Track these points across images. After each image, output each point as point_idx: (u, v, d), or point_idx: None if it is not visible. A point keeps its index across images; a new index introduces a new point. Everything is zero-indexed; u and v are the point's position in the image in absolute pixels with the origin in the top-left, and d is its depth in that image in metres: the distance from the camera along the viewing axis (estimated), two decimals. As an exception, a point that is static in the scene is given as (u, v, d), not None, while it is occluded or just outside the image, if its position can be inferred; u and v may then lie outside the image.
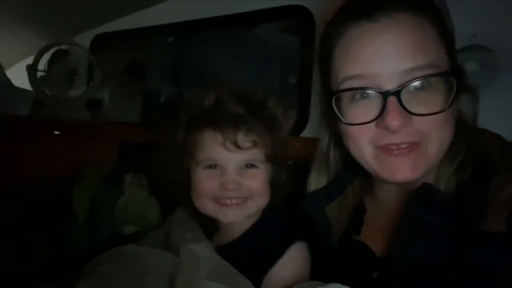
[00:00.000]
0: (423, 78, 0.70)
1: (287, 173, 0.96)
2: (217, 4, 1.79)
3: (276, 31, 1.75)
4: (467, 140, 0.77)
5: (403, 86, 0.70)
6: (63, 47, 1.92)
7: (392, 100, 0.70)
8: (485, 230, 0.66)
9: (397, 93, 0.70)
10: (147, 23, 1.99)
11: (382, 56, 0.71)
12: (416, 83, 0.71)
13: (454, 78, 0.72)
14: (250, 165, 0.89)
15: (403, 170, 0.74)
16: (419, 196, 0.71)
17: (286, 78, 1.68)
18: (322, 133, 0.94)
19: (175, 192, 0.98)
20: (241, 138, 0.87)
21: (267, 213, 0.94)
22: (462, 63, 1.21)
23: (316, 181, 0.94)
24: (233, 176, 0.87)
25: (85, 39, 2.10)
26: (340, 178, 0.94)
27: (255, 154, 0.89)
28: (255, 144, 0.87)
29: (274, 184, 0.94)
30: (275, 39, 1.75)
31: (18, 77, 1.94)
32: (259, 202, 0.91)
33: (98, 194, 1.33)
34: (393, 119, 0.70)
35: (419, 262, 0.67)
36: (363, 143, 0.77)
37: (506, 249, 0.62)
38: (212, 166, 0.89)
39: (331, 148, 0.93)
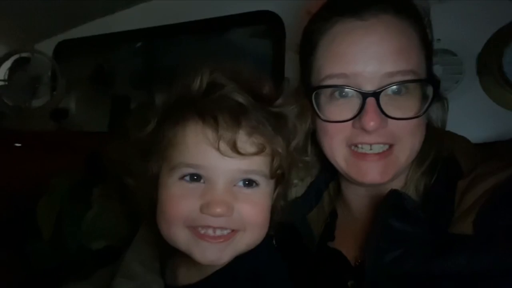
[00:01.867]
0: (403, 83, 0.72)
1: (286, 198, 0.74)
2: (186, 9, 1.77)
3: (247, 36, 1.75)
4: (436, 144, 0.79)
5: (382, 88, 0.71)
6: (24, 54, 1.85)
7: (370, 101, 0.71)
8: (454, 234, 0.67)
9: (376, 95, 0.71)
10: (114, 29, 1.94)
11: (365, 57, 0.72)
12: (395, 87, 0.72)
13: (431, 85, 0.74)
14: (248, 182, 0.64)
15: (372, 174, 0.75)
16: (388, 203, 0.72)
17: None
18: None
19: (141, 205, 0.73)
20: (243, 138, 0.61)
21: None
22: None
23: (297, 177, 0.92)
24: (223, 195, 0.61)
25: (47, 46, 2.02)
26: (317, 185, 0.93)
27: (259, 165, 0.64)
28: (261, 150, 0.62)
29: (272, 213, 0.70)
30: (246, 44, 1.75)
31: (-24, 87, 1.85)
32: (252, 237, 0.65)
33: (64, 208, 1.28)
34: (371, 120, 0.71)
35: (392, 271, 0.67)
36: (337, 142, 0.77)
37: (474, 251, 0.63)
38: (194, 178, 0.63)
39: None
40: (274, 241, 0.85)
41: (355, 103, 0.73)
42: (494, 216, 0.64)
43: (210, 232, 0.62)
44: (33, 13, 1.80)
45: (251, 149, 0.62)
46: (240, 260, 0.67)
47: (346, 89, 0.73)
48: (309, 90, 0.78)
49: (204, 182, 0.63)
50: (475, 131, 0.91)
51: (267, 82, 0.70)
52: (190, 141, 0.62)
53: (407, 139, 0.74)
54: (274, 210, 0.70)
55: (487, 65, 1.21)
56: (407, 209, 0.70)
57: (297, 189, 0.92)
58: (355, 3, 0.74)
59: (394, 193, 0.72)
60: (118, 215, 1.23)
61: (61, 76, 1.85)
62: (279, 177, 0.69)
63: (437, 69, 1.27)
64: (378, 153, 0.74)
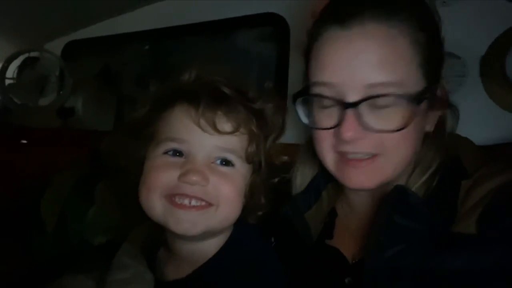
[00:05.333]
0: (383, 96, 0.70)
1: (268, 194, 0.78)
2: (192, 11, 1.79)
3: (252, 38, 1.76)
4: (442, 152, 0.77)
5: (363, 100, 0.70)
6: (33, 54, 1.88)
7: (350, 112, 0.70)
8: (457, 233, 0.67)
9: (355, 106, 0.70)
10: (121, 30, 1.97)
11: (349, 67, 0.71)
12: (376, 99, 0.70)
13: (417, 99, 0.71)
14: (224, 161, 0.71)
15: (359, 179, 0.75)
16: (392, 199, 0.71)
17: (262, 84, 1.68)
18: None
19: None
20: (221, 117, 0.70)
21: (238, 233, 0.76)
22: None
23: (302, 174, 0.92)
24: (200, 166, 0.68)
25: (56, 46, 2.05)
26: (316, 184, 0.94)
27: (234, 144, 0.71)
28: (236, 129, 0.70)
29: (248, 201, 0.75)
30: (251, 46, 1.76)
31: (-15, 84, 1.88)
32: (225, 213, 0.70)
33: (68, 203, 1.30)
34: (347, 131, 0.70)
35: (392, 266, 0.67)
36: (325, 148, 0.77)
37: (477, 250, 0.63)
38: (176, 154, 0.70)
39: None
40: (272, 239, 0.86)
41: (337, 112, 0.73)
42: (498, 216, 0.64)
43: (186, 202, 0.67)
44: (43, 13, 1.83)
45: (228, 127, 0.70)
46: (227, 250, 0.73)
47: (326, 100, 0.73)
48: (295, 95, 0.78)
49: (185, 157, 0.70)
50: (477, 134, 0.90)
51: (252, 86, 0.78)
52: (175, 118, 0.71)
53: (391, 151, 0.73)
54: (250, 199, 0.75)
55: (491, 68, 1.21)
56: (412, 204, 0.70)
57: (303, 175, 0.92)
58: (341, 11, 0.73)
59: (399, 188, 0.72)
60: (120, 211, 1.24)
61: (69, 76, 1.87)
62: (256, 165, 0.75)
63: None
64: (362, 160, 0.73)
